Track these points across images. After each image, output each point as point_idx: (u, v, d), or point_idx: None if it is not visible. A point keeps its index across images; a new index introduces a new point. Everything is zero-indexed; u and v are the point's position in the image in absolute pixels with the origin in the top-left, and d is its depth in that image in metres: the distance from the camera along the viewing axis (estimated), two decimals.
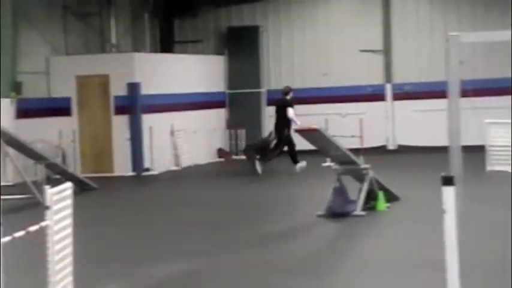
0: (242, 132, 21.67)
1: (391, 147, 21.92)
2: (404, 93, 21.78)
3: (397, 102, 21.91)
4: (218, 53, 22.51)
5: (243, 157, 21.32)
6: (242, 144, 21.50)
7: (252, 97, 22.08)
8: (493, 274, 7.10)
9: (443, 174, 4.76)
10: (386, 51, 22.05)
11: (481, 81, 18.56)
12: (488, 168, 15.52)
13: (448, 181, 4.70)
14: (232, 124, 21.91)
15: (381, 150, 21.28)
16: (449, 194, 4.66)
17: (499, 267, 7.22)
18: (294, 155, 17.20)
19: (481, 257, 7.63)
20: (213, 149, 21.13)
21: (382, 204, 11.37)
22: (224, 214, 12.11)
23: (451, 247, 4.55)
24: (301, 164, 17.12)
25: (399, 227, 10.31)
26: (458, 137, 5.17)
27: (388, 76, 22.14)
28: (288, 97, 17.72)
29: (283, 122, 17.20)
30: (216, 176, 18.28)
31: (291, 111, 17.19)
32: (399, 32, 22.04)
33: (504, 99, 20.14)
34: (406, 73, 21.98)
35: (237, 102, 22.04)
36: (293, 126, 16.19)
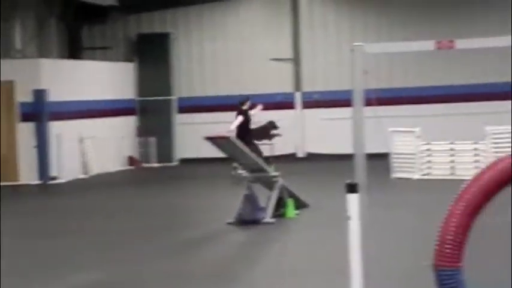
0: (153, 140, 21.52)
1: (300, 155, 22.20)
2: (313, 102, 22.13)
3: (307, 111, 22.24)
4: (128, 60, 22.29)
5: (154, 165, 21.23)
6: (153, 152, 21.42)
7: (163, 105, 21.96)
8: (399, 279, 7.30)
9: (347, 181, 4.86)
10: (296, 60, 22.38)
11: (385, 91, 19.05)
12: (392, 175, 15.96)
13: (352, 188, 4.81)
14: (142, 132, 21.72)
15: (291, 158, 21.52)
16: (353, 200, 4.77)
17: (405, 272, 7.43)
18: None
19: (388, 262, 7.81)
20: (122, 156, 20.88)
21: (291, 211, 11.52)
22: (134, 222, 11.96)
23: (355, 253, 4.65)
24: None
25: (308, 234, 10.45)
26: (362, 145, 5.28)
27: (297, 85, 22.46)
28: (245, 107, 17.44)
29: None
30: (125, 184, 18.06)
31: (237, 120, 17.02)
32: (308, 42, 22.40)
33: (406, 108, 20.79)
34: (315, 82, 22.36)
35: (148, 110, 21.87)
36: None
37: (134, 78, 22.06)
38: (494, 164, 5.14)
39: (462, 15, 21.18)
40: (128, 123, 21.50)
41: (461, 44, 5.17)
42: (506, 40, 5.46)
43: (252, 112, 17.27)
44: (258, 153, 16.34)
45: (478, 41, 5.47)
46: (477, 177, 5.10)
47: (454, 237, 4.94)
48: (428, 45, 5.27)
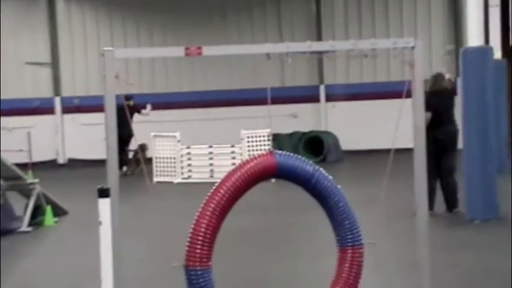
0: None
1: (61, 161, 21.69)
2: (73, 107, 21.73)
3: (67, 116, 21.77)
4: None
5: None
6: None
7: None
8: (150, 281, 7.41)
9: (99, 186, 4.84)
10: (54, 64, 21.80)
11: (146, 96, 19.27)
12: (155, 179, 16.11)
13: (103, 193, 4.79)
14: None
15: (51, 164, 20.95)
16: (104, 205, 4.75)
17: (157, 274, 7.54)
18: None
19: (141, 265, 7.91)
20: None
21: (50, 219, 11.24)
22: None
23: (106, 258, 4.65)
24: None
25: (66, 241, 10.24)
26: (114, 150, 5.29)
27: (56, 89, 21.90)
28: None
29: None
30: None
31: None
32: (67, 46, 21.95)
33: (166, 113, 21.14)
34: (74, 86, 21.96)
35: None
36: None
37: None
38: (240, 166, 5.39)
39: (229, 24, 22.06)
40: None
41: (208, 50, 5.35)
42: (254, 48, 5.76)
43: (144, 112, 17.28)
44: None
45: (224, 49, 5.70)
46: (225, 180, 5.32)
47: (203, 238, 5.12)
48: (178, 51, 5.38)
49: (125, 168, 17.22)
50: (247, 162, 5.38)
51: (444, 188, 10.41)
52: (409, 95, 5.48)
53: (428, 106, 10.22)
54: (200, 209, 5.21)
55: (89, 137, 20.86)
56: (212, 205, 5.21)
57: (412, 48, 5.39)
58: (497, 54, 14.72)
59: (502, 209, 9.76)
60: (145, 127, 16.90)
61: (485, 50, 10.34)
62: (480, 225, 9.57)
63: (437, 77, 10.56)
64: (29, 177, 11.54)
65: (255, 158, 5.40)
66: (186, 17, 21.95)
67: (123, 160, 17.10)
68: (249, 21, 22.19)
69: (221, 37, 21.30)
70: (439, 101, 10.19)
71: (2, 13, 21.20)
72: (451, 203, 10.41)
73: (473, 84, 9.92)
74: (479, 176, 9.84)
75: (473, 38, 10.11)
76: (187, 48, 5.31)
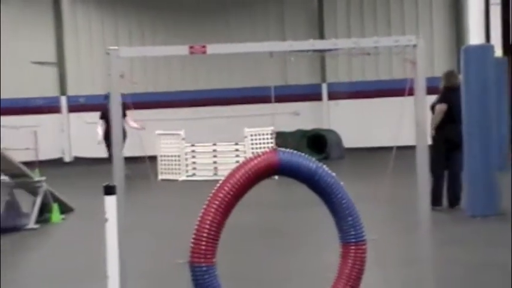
0: None
1: (67, 159, 21.79)
2: (79, 105, 21.83)
3: (72, 115, 21.88)
4: None
5: None
6: None
7: None
8: (156, 278, 7.50)
9: (105, 184, 4.91)
10: (60, 63, 21.91)
11: (149, 95, 19.40)
12: (159, 177, 16.21)
13: (109, 190, 4.86)
14: None
15: (57, 162, 21.05)
16: (110, 202, 4.82)
17: (162, 271, 7.62)
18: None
19: (146, 262, 8.00)
20: None
21: (56, 216, 11.35)
22: None
23: (112, 254, 4.72)
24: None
25: (74, 237, 10.34)
26: (120, 147, 5.38)
27: (62, 88, 22.01)
28: None
29: None
30: None
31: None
32: (72, 45, 22.04)
33: (170, 112, 21.25)
34: (80, 85, 22.06)
35: None
36: None
37: None
38: (244, 163, 5.46)
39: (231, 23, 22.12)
40: None
41: (212, 49, 5.41)
42: (258, 46, 5.82)
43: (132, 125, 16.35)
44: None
45: (228, 47, 5.74)
46: (229, 177, 5.40)
47: (208, 235, 5.19)
48: (182, 49, 5.43)
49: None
50: (251, 159, 5.44)
51: (451, 185, 10.48)
52: (411, 92, 5.53)
53: (444, 99, 10.36)
54: (205, 206, 5.27)
55: (94, 136, 20.92)
56: (216, 202, 5.28)
57: (414, 46, 5.42)
58: (498, 52, 14.75)
59: (502, 206, 9.84)
60: (150, 126, 17.03)
61: (486, 48, 10.40)
62: (481, 221, 9.65)
63: (450, 74, 10.64)
64: (36, 175, 11.64)
65: (259, 155, 5.47)
66: (188, 15, 22.04)
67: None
68: (251, 20, 22.26)
69: (223, 35, 21.36)
70: (453, 96, 10.29)
71: (7, 12, 21.32)
72: (454, 199, 10.49)
73: (475, 81, 9.98)
74: (481, 172, 9.92)
75: (474, 35, 10.14)
76: (191, 47, 5.36)
